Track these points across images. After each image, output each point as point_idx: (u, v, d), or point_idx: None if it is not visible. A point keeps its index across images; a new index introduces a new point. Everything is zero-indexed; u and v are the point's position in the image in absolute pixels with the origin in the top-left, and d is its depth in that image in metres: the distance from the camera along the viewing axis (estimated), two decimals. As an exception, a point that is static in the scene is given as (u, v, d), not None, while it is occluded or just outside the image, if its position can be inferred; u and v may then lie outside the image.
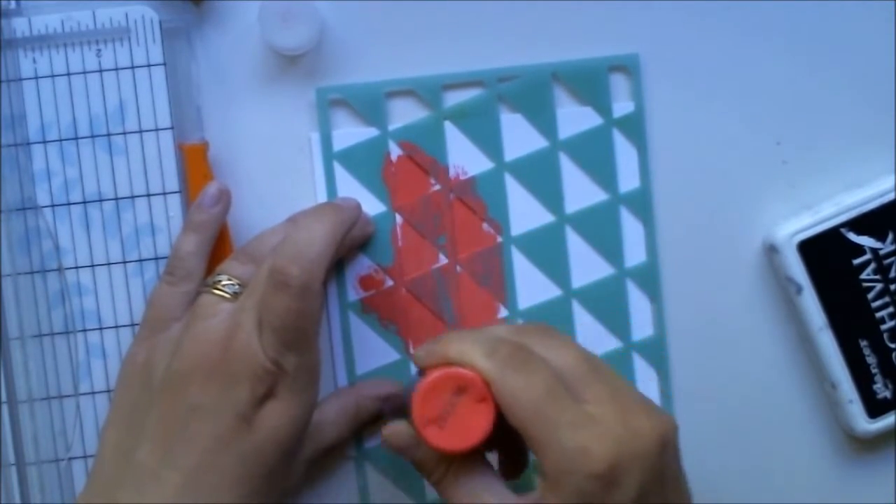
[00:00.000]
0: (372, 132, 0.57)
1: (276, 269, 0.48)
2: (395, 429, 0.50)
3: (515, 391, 0.46)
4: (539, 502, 0.46)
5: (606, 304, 0.57)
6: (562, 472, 0.45)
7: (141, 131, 0.55)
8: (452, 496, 0.48)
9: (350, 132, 0.57)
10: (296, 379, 0.49)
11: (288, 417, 0.49)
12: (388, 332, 0.57)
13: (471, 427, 0.46)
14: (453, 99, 0.57)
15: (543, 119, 0.57)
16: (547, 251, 0.57)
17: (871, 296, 0.55)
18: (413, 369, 0.55)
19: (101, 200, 0.55)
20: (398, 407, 0.56)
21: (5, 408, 0.55)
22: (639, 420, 0.46)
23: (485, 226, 0.57)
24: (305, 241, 0.49)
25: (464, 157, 0.57)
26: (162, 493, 0.48)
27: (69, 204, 0.55)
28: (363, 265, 0.57)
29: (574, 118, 0.57)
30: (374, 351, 0.57)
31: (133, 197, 0.55)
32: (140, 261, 0.55)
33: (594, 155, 0.57)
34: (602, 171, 0.57)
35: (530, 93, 0.56)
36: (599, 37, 0.56)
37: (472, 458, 0.48)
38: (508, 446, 0.52)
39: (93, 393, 0.56)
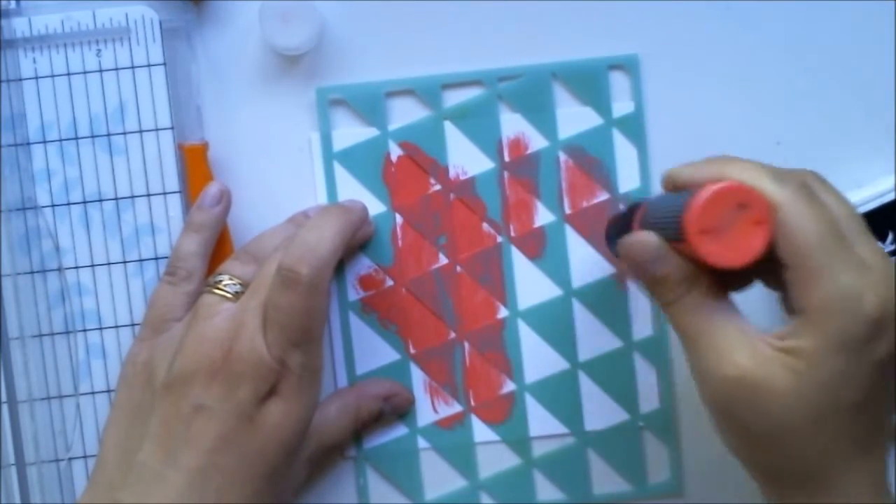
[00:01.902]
0: (372, 132, 0.57)
1: (286, 267, 0.49)
2: (644, 237, 0.47)
3: (804, 220, 0.43)
4: (791, 338, 0.44)
5: (607, 304, 0.57)
6: (831, 310, 0.43)
7: (141, 131, 0.55)
8: (686, 319, 0.46)
9: (350, 132, 0.57)
10: (300, 377, 0.49)
11: (291, 416, 0.49)
12: (388, 332, 0.57)
13: (745, 246, 0.43)
14: (453, 99, 0.57)
15: (543, 119, 0.57)
16: (547, 251, 0.57)
17: (870, 295, 0.55)
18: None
19: (101, 200, 0.55)
20: (399, 406, 0.56)
21: (5, 408, 0.55)
22: None
23: (485, 226, 0.57)
24: (315, 240, 0.49)
25: (464, 157, 0.57)
26: (165, 493, 0.48)
27: (69, 204, 0.55)
28: (363, 265, 0.57)
29: (574, 118, 0.57)
30: (374, 351, 0.57)
31: (133, 197, 0.55)
32: (140, 261, 0.55)
33: (594, 155, 0.57)
34: (602, 170, 0.57)
35: (530, 93, 0.57)
36: (599, 37, 0.56)
37: (715, 285, 0.46)
38: (737, 285, 0.49)
39: (93, 393, 0.56)
